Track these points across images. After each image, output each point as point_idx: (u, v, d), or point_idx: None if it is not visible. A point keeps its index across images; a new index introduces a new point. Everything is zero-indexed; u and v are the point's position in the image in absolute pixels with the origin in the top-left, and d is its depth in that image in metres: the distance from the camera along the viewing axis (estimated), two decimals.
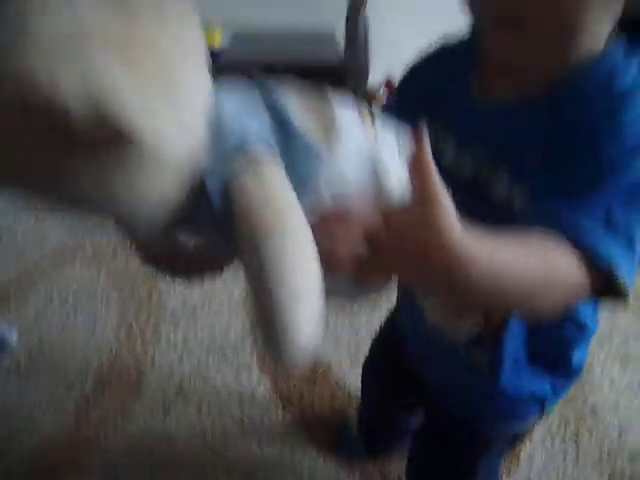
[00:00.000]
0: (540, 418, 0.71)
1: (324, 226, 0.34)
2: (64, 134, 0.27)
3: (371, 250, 0.36)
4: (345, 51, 2.25)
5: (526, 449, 1.09)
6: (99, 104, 0.26)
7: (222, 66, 1.83)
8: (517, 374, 0.64)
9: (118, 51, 0.27)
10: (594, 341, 1.29)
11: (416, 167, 0.36)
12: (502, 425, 0.72)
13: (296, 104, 0.38)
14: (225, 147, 0.32)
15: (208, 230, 0.36)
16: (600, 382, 1.24)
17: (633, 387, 1.23)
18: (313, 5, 2.37)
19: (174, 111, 0.30)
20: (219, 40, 1.88)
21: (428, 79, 0.66)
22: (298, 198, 0.33)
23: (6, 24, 0.27)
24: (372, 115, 0.43)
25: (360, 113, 0.42)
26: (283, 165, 0.34)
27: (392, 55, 2.44)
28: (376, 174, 0.39)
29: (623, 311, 1.39)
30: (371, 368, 0.99)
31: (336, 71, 1.87)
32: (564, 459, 1.09)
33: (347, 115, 0.40)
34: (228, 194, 0.32)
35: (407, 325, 0.76)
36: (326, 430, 1.15)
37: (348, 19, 2.39)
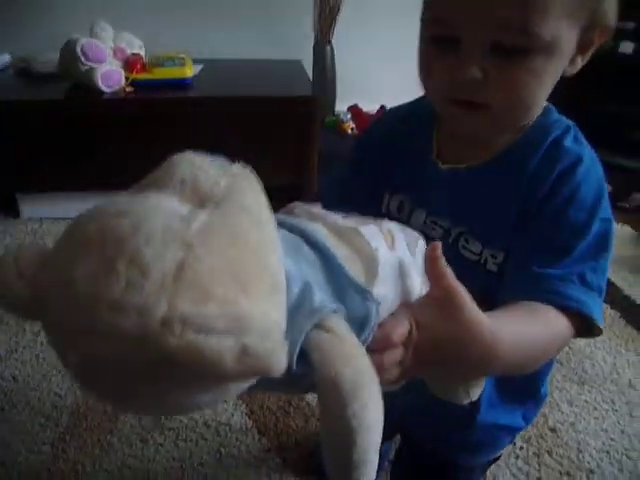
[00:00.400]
0: (511, 443, 0.77)
1: (373, 354, 0.37)
2: (203, 376, 0.26)
3: (408, 354, 0.40)
4: (313, 80, 2.31)
5: (491, 470, 1.14)
6: (244, 346, 0.25)
7: (194, 97, 1.87)
8: (492, 412, 0.68)
9: (231, 273, 0.27)
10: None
11: (434, 273, 0.41)
12: (479, 456, 0.76)
13: (331, 240, 0.41)
14: (294, 310, 0.34)
15: (275, 386, 0.38)
16: (559, 403, 1.31)
17: (589, 407, 1.31)
18: (281, 37, 2.43)
19: (280, 308, 0.30)
20: (190, 70, 1.92)
21: (391, 132, 0.69)
22: (358, 338, 0.36)
23: (119, 270, 0.26)
24: (388, 226, 0.48)
25: (379, 227, 0.46)
26: (344, 312, 0.36)
27: (358, 83, 2.52)
28: (403, 282, 0.44)
29: None
30: None
31: (304, 100, 1.93)
32: (527, 477, 1.15)
33: (374, 236, 0.44)
34: (304, 356, 0.33)
35: None
36: (302, 454, 1.17)
37: (315, 48, 2.46)
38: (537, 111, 0.57)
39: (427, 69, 0.55)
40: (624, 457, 1.19)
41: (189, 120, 1.83)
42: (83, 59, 1.74)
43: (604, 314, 0.54)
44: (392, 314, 0.41)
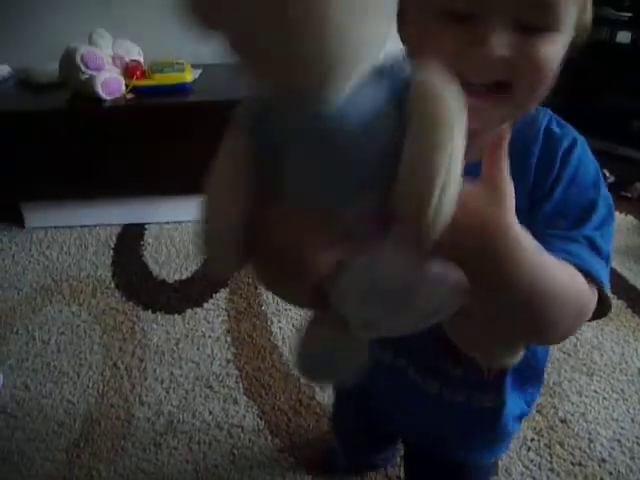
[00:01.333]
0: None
1: None
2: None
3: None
4: None
5: (503, 462, 1.15)
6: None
7: (194, 101, 1.88)
8: (510, 402, 0.68)
9: None
10: (561, 355, 1.36)
11: (495, 156, 0.40)
12: (497, 451, 0.76)
13: None
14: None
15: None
16: (569, 394, 1.31)
17: (599, 397, 1.31)
18: None
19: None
20: (190, 75, 1.93)
21: None
22: None
23: None
24: None
25: None
26: None
27: None
28: None
29: (586, 326, 1.48)
30: (340, 421, 1.03)
31: None
32: (539, 469, 1.15)
33: None
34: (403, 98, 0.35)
35: (379, 380, 0.74)
36: (315, 452, 1.18)
37: None
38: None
39: (433, 48, 0.47)
40: (635, 445, 1.19)
41: (190, 125, 1.84)
42: (83, 68, 1.75)
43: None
44: None
